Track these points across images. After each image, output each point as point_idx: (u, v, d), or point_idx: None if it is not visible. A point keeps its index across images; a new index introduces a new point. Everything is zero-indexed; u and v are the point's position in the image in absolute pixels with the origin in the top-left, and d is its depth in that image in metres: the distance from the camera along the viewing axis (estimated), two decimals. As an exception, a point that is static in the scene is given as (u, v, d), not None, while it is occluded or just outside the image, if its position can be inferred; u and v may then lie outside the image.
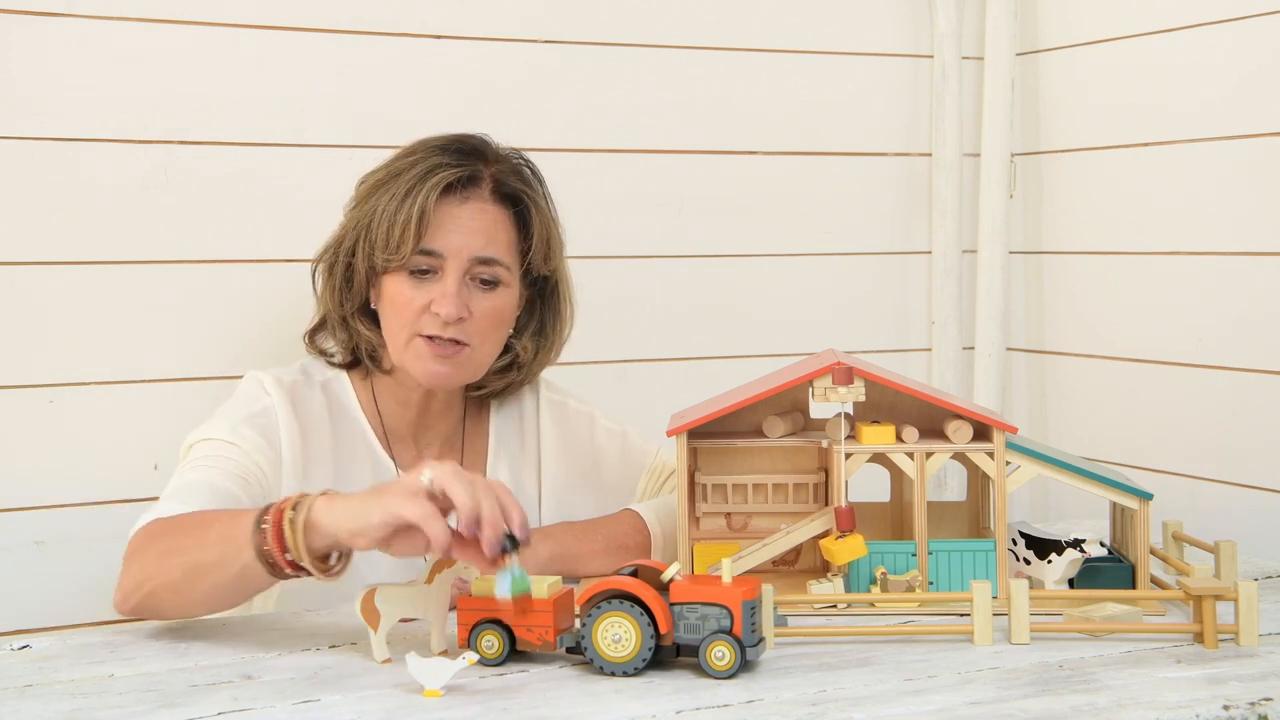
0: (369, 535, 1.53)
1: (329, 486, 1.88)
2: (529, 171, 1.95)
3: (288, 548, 1.56)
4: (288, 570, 1.58)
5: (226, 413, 1.89)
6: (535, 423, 2.04)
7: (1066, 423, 2.65)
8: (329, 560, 1.60)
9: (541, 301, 1.99)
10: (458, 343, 1.86)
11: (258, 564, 1.58)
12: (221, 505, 1.77)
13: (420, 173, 1.86)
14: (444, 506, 1.53)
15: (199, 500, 1.76)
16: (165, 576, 1.65)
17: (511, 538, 1.48)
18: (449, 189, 1.87)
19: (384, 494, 1.54)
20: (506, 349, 1.96)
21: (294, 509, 1.57)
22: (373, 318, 1.94)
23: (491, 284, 1.89)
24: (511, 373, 1.98)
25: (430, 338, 1.86)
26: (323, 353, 1.99)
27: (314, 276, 1.97)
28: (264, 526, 1.57)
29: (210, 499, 1.77)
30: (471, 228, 1.87)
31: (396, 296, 1.87)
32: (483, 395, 2.01)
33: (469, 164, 1.89)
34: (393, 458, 1.95)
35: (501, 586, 1.48)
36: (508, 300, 1.91)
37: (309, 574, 1.58)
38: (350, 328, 1.94)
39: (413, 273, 1.87)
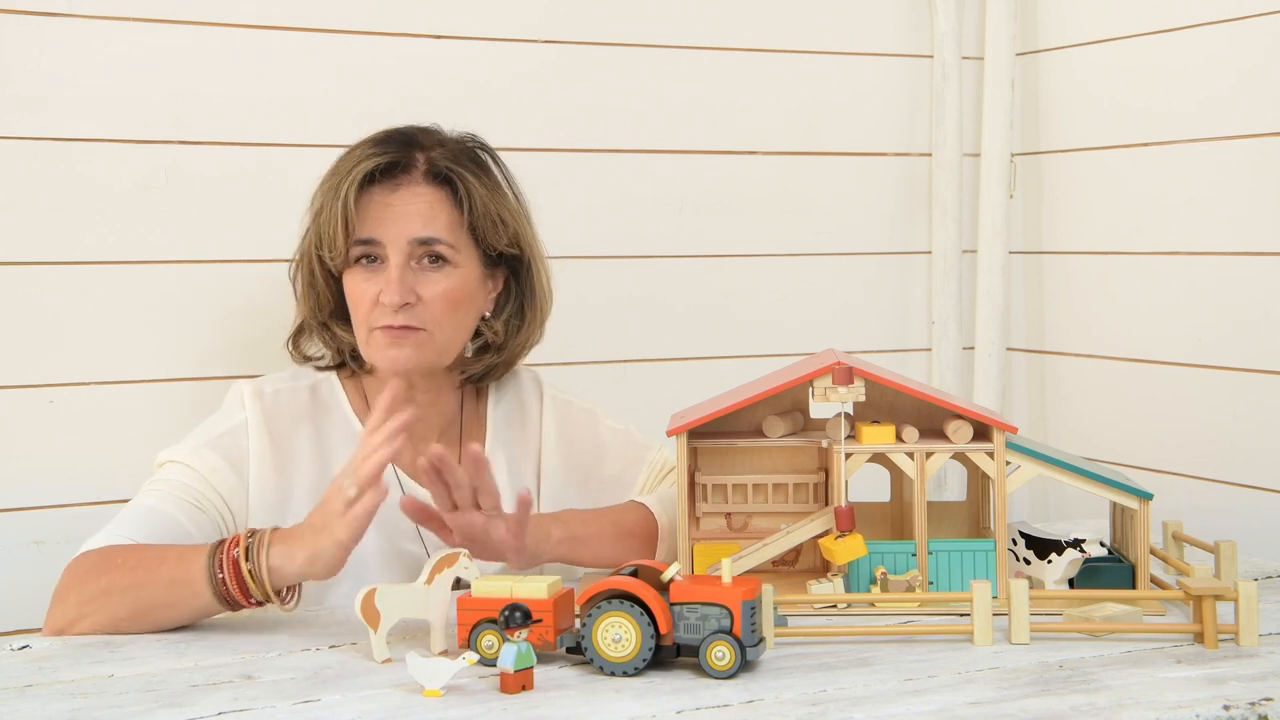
0: (333, 566, 1.66)
1: (316, 490, 1.88)
2: (479, 154, 1.95)
3: (251, 593, 1.68)
4: (248, 606, 1.70)
5: (199, 431, 1.90)
6: (538, 419, 2.04)
7: (1066, 423, 2.65)
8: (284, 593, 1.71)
9: (516, 280, 1.98)
10: (413, 328, 1.86)
11: (216, 604, 1.69)
12: (164, 537, 1.78)
13: (348, 167, 1.88)
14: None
15: (140, 532, 1.78)
16: (110, 614, 1.70)
17: (525, 613, 1.48)
18: (373, 179, 1.87)
19: (322, 528, 1.66)
20: (477, 332, 1.96)
21: (247, 557, 1.67)
22: (348, 318, 1.93)
23: (438, 265, 1.88)
24: (489, 355, 1.97)
25: (386, 328, 1.86)
26: (308, 358, 1.98)
27: (293, 283, 1.97)
28: (220, 575, 1.67)
29: (151, 531, 1.78)
30: (406, 212, 1.87)
31: (352, 291, 1.89)
32: (469, 380, 2.00)
33: (396, 151, 1.89)
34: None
35: (506, 658, 1.47)
36: (461, 280, 1.89)
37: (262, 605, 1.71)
38: (329, 330, 1.95)
39: (364, 266, 1.88)
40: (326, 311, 1.94)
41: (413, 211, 1.87)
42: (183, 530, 1.81)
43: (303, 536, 1.66)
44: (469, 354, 1.97)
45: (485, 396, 2.04)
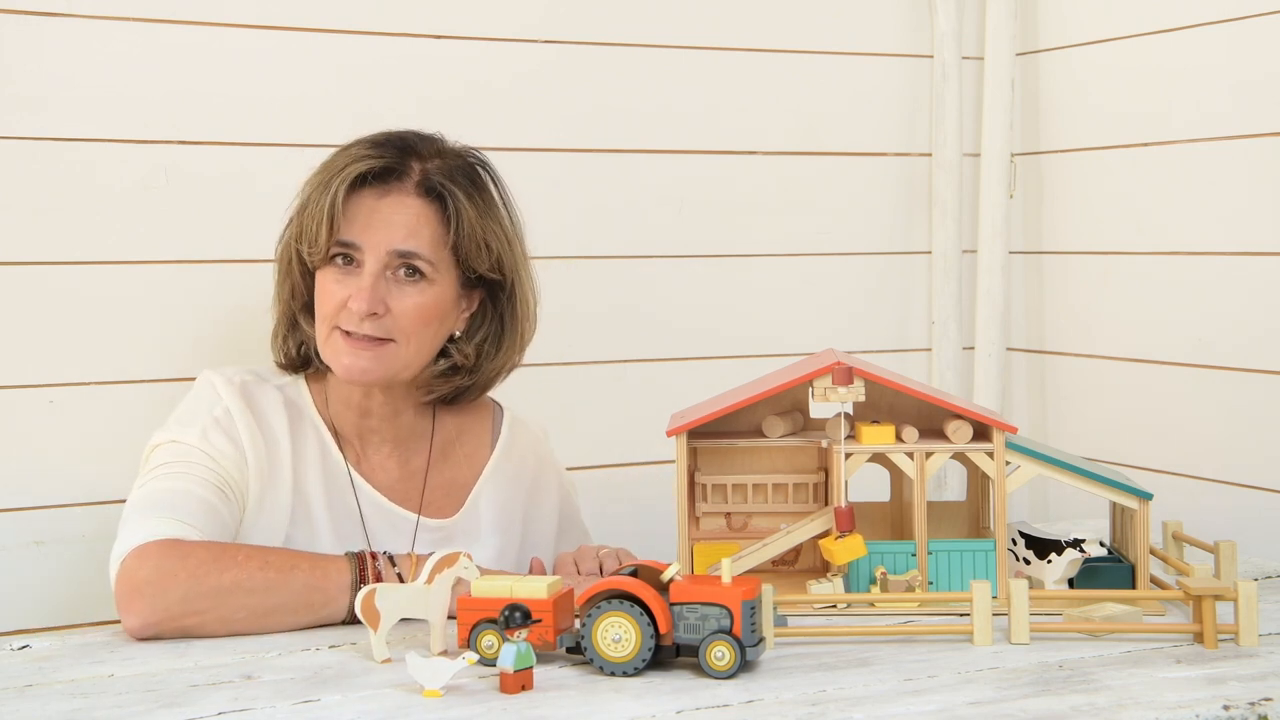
0: None
1: (295, 491, 1.88)
2: (478, 171, 1.90)
3: None
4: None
5: (192, 415, 1.87)
6: (490, 440, 2.02)
7: (1066, 423, 2.65)
8: None
9: (494, 304, 1.93)
10: (379, 339, 1.83)
11: (343, 614, 1.72)
12: (215, 525, 1.77)
13: (340, 165, 1.84)
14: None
15: (203, 522, 1.76)
16: (226, 613, 1.68)
17: (525, 613, 1.47)
18: (364, 181, 1.83)
19: None
20: (445, 353, 1.91)
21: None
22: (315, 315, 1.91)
23: (414, 279, 1.84)
24: (458, 376, 1.93)
25: (348, 332, 1.83)
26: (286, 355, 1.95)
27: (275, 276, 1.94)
28: (365, 585, 1.67)
29: (209, 521, 1.77)
30: (390, 221, 1.83)
31: (321, 290, 1.86)
32: (440, 400, 1.96)
33: (393, 157, 1.85)
34: (344, 455, 1.93)
35: (506, 658, 1.46)
36: (436, 297, 1.85)
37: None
38: (297, 326, 1.92)
39: (340, 267, 1.84)
40: (299, 305, 1.91)
41: (398, 221, 1.83)
42: (221, 519, 1.80)
43: None
44: (435, 373, 1.91)
45: (488, 440, 2.01)
